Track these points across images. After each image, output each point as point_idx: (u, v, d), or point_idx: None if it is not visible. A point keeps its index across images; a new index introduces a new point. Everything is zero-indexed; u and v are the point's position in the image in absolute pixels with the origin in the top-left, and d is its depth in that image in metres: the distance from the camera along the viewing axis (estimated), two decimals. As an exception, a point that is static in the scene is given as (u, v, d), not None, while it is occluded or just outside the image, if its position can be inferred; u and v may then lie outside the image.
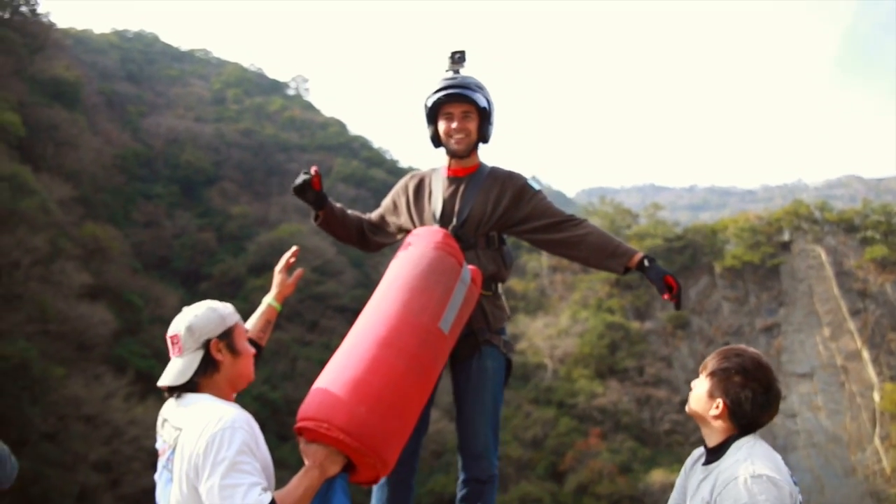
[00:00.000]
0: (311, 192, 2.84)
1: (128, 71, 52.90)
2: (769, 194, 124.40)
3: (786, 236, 43.39)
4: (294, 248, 2.71)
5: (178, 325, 2.11)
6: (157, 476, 2.04)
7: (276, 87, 64.02)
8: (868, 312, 38.40)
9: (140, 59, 57.09)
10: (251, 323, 2.56)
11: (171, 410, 2.07)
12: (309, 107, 62.86)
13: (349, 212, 3.13)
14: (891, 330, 37.36)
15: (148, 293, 31.32)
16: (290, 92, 65.14)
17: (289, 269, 2.72)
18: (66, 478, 20.06)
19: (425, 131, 3.00)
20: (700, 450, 2.33)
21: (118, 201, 36.91)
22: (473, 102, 2.83)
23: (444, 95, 2.83)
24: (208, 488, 1.84)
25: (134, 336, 28.44)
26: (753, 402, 2.09)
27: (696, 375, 2.29)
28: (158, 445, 2.06)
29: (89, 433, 22.29)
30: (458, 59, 2.88)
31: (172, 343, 2.11)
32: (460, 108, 2.84)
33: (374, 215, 3.16)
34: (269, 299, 2.62)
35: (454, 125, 2.85)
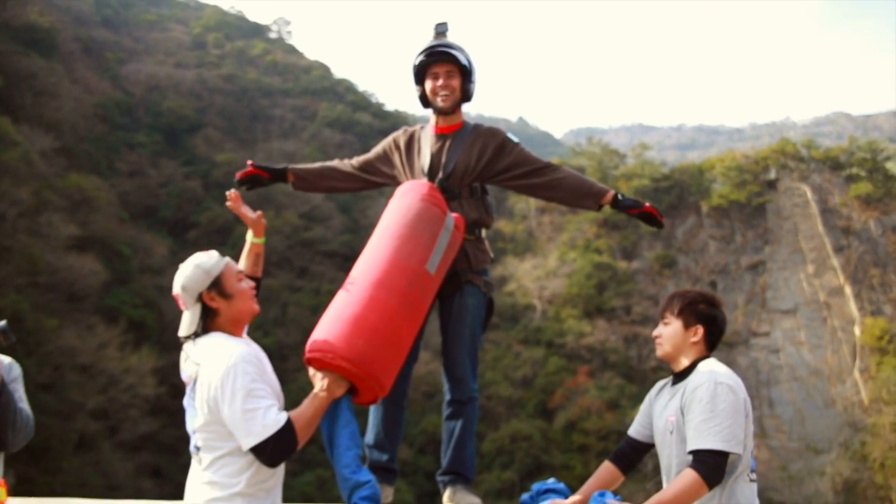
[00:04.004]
0: (261, 179, 3.23)
1: (104, 16, 51.38)
2: (757, 132, 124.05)
3: (772, 175, 43.57)
4: (229, 192, 2.93)
5: (176, 285, 2.35)
6: (185, 402, 2.32)
7: (258, 31, 62.52)
8: (851, 249, 38.94)
9: (115, 3, 55.35)
10: (242, 262, 2.82)
11: (191, 347, 2.33)
12: (292, 50, 61.55)
13: (326, 164, 3.43)
14: (873, 266, 37.97)
15: (136, 243, 31.25)
16: (272, 35, 63.64)
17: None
18: (65, 426, 20.40)
19: (415, 93, 3.26)
20: (662, 381, 2.65)
21: (101, 151, 36.41)
22: (456, 62, 3.12)
23: (429, 56, 3.14)
24: (230, 415, 2.13)
25: (124, 286, 28.48)
26: (720, 319, 2.51)
27: None
28: (183, 377, 2.33)
29: (85, 382, 22.57)
30: (440, 30, 3.18)
31: (177, 300, 2.36)
32: (444, 68, 3.13)
33: (362, 159, 3.42)
34: (250, 237, 2.89)
35: (440, 83, 3.14)
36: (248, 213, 2.87)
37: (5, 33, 33.08)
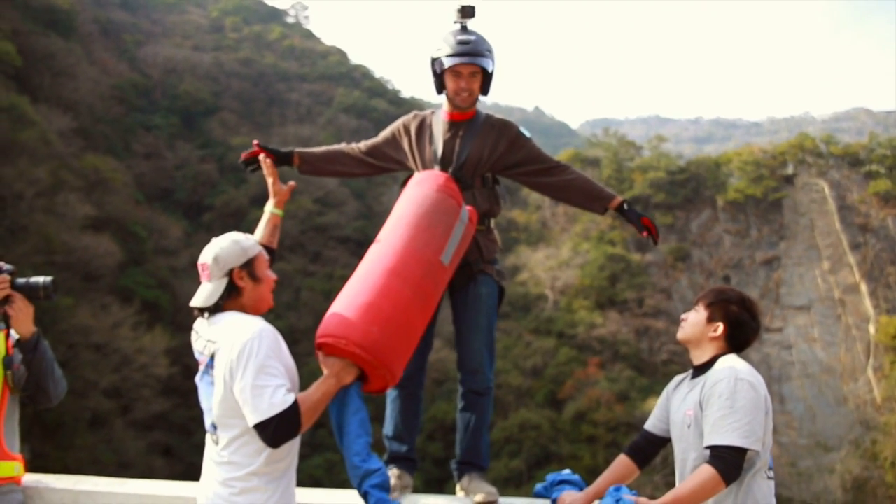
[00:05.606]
0: (269, 160, 3.11)
1: (122, -3, 51.58)
2: (775, 127, 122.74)
3: (790, 170, 43.15)
4: (262, 158, 3.07)
5: (207, 255, 2.35)
6: (197, 380, 2.33)
7: (275, 15, 62.57)
8: (868, 246, 38.55)
9: (134, -16, 55.55)
10: (259, 231, 2.87)
11: (203, 326, 2.34)
12: (309, 35, 61.56)
13: (333, 148, 3.36)
14: (890, 264, 37.59)
15: (151, 224, 31.46)
16: (290, 20, 63.68)
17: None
18: (78, 404, 20.65)
19: (430, 75, 3.15)
20: (681, 375, 2.64)
21: (118, 132, 36.62)
22: (481, 65, 3.07)
23: (457, 62, 3.04)
24: (241, 388, 2.14)
25: (139, 266, 28.71)
26: (748, 326, 2.48)
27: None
28: (196, 356, 2.35)
29: (99, 361, 22.82)
30: (467, 14, 3.09)
31: (202, 270, 2.35)
32: (469, 69, 3.07)
33: (370, 143, 3.35)
34: (270, 207, 2.94)
35: (462, 84, 3.08)
36: (278, 180, 2.94)
37: (25, 13, 33.24)
